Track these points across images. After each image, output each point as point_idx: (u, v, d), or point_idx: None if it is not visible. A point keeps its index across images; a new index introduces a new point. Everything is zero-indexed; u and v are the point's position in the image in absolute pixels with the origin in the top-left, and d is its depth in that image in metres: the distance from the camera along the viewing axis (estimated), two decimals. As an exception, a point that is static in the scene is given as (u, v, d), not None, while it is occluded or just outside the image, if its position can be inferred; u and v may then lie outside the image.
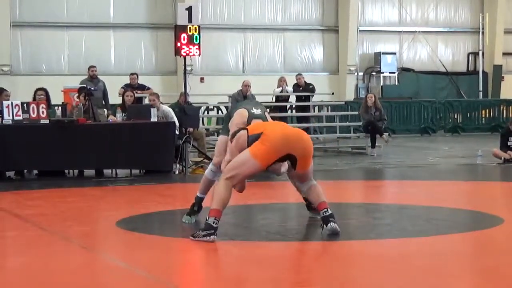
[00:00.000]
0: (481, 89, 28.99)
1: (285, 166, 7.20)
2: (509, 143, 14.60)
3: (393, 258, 6.11)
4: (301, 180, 7.21)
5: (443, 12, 29.21)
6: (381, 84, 28.10)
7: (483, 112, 26.12)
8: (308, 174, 7.09)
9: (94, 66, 16.75)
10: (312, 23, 27.49)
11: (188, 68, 18.74)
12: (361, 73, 28.20)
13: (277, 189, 11.54)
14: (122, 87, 16.56)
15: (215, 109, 22.50)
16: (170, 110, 13.65)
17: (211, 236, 6.59)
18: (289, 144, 6.78)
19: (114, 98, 16.59)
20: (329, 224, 6.86)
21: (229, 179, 6.76)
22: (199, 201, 7.79)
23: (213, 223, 6.62)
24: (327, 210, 6.93)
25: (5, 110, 12.23)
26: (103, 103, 16.10)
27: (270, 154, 6.76)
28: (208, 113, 22.34)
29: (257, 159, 6.72)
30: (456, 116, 25.82)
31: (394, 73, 28.25)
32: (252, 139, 6.81)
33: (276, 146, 6.75)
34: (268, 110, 7.78)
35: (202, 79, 25.68)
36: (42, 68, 24.48)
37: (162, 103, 14.01)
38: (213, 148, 17.56)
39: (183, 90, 15.14)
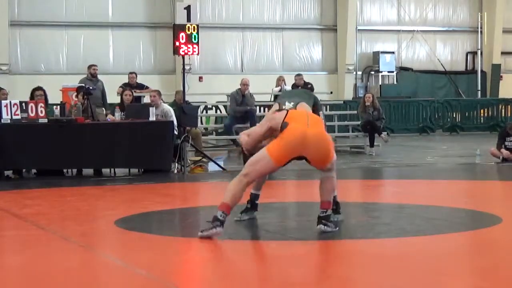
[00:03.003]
0: (479, 88, 29.01)
1: None
2: (506, 143, 14.56)
3: (391, 257, 6.11)
4: (319, 169, 7.16)
5: (441, 11, 29.22)
6: (380, 83, 28.10)
7: (482, 111, 26.12)
8: (326, 166, 6.96)
9: (95, 65, 16.72)
10: (310, 22, 27.49)
11: (187, 67, 18.73)
12: (359, 72, 28.21)
13: (276, 188, 11.54)
14: (120, 86, 16.53)
15: (214, 108, 22.50)
16: (170, 109, 13.64)
17: (217, 228, 6.56)
18: (304, 146, 6.71)
19: (113, 97, 16.58)
20: (318, 226, 6.96)
21: (244, 175, 6.76)
22: (252, 198, 7.78)
23: (220, 216, 6.63)
24: (325, 212, 6.96)
25: (3, 109, 12.21)
26: (102, 102, 16.10)
27: (284, 154, 6.73)
28: (206, 112, 22.34)
29: (272, 157, 6.71)
30: (454, 115, 25.82)
31: (392, 72, 28.25)
32: (284, 126, 6.78)
33: (289, 146, 6.72)
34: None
35: (200, 78, 25.68)
36: (41, 67, 24.47)
37: (163, 101, 13.98)
38: (212, 147, 17.61)
39: (180, 89, 15.12)
